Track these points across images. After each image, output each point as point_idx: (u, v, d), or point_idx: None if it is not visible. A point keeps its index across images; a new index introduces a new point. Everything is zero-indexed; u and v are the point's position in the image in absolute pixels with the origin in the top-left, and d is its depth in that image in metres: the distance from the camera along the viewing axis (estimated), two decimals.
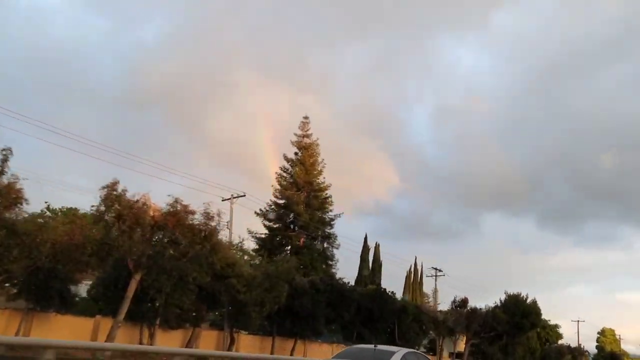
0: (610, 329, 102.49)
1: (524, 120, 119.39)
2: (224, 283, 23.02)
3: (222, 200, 28.85)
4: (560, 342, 75.45)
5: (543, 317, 55.84)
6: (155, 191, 20.57)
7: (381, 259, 52.79)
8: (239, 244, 24.06)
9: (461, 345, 48.72)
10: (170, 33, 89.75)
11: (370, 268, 52.11)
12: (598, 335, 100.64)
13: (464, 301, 44.73)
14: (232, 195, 28.64)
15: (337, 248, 37.31)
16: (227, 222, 28.00)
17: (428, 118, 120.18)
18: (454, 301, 45.17)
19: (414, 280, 57.80)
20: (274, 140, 66.74)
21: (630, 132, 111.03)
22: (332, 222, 37.33)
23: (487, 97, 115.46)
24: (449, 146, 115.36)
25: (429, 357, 15.66)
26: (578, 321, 74.30)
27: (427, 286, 61.11)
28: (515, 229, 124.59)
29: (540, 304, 45.60)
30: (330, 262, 37.29)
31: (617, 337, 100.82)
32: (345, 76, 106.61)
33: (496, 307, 45.45)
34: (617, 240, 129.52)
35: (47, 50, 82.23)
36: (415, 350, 14.91)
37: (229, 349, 25.50)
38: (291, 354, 28.43)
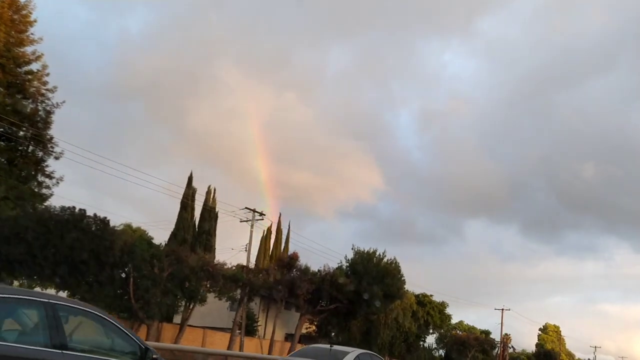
0: (554, 325, 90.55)
1: (508, 127, 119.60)
2: None
3: None
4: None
5: (433, 296, 43.11)
6: None
7: (217, 209, 39.57)
8: None
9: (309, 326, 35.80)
10: (153, 25, 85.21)
11: (198, 218, 38.87)
12: (539, 332, 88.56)
13: (292, 258, 31.78)
14: None
15: (57, 158, 24.06)
16: None
17: (413, 121, 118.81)
18: (279, 258, 32.20)
19: (276, 242, 44.58)
20: (254, 136, 64.32)
21: (612, 144, 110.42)
22: (48, 118, 23.94)
23: (472, 103, 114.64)
24: (434, 150, 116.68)
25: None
26: (502, 309, 61.70)
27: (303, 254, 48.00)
28: (498, 236, 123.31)
29: (403, 268, 32.60)
30: (45, 180, 23.94)
31: (561, 334, 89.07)
32: (330, 76, 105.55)
33: (339, 268, 32.52)
34: (599, 252, 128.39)
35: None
36: (371, 352, 14.01)
37: None
38: None
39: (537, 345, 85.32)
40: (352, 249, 32.47)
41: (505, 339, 64.44)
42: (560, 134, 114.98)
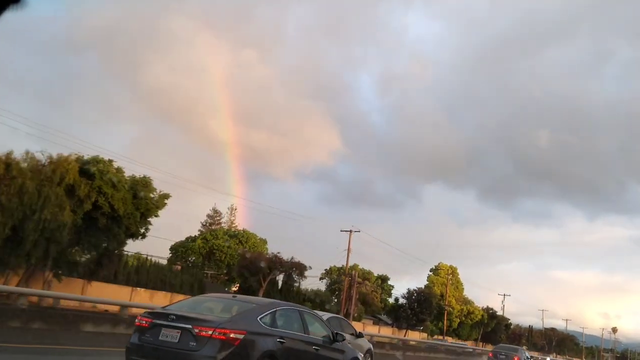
0: (451, 266, 77.13)
1: (468, 93, 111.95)
2: None
3: None
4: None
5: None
6: None
7: None
8: None
9: None
10: None
11: None
12: (430, 273, 74.96)
13: None
14: None
15: None
16: None
17: (373, 83, 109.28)
18: None
19: None
20: (211, 93, 53.14)
21: (567, 113, 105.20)
22: None
23: (432, 67, 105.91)
24: (393, 114, 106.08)
25: None
26: (350, 231, 46.55)
27: None
28: (455, 201, 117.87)
29: None
30: None
31: (457, 276, 75.93)
32: (291, 34, 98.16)
33: None
34: (552, 218, 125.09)
35: None
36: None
37: None
38: None
39: (425, 287, 72.00)
40: None
41: (354, 271, 49.77)
42: (519, 101, 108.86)
